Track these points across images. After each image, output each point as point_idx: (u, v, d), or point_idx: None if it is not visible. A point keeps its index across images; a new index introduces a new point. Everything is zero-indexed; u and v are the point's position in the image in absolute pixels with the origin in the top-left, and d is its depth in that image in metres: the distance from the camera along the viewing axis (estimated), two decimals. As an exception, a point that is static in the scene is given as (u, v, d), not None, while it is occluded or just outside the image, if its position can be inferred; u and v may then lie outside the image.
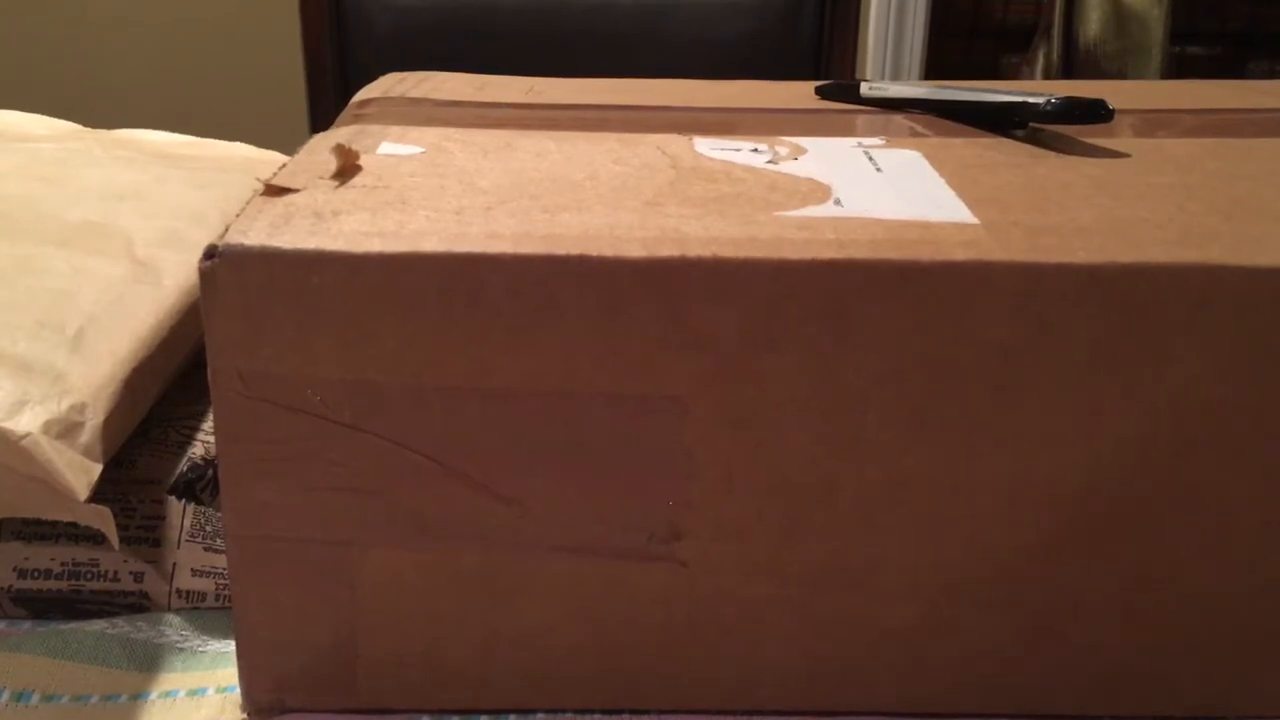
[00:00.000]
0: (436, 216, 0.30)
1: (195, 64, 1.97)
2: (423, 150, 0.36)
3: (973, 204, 0.32)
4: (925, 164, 0.36)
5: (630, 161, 0.36)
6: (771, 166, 0.36)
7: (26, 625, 0.37)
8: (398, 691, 0.34)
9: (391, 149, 0.36)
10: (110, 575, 0.38)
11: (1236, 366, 0.30)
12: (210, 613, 0.38)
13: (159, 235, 0.45)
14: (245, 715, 0.34)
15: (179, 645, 0.37)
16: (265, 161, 0.58)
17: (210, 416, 0.41)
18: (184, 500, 0.39)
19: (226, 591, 0.38)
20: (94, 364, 0.37)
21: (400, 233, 0.29)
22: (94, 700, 0.34)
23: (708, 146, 0.38)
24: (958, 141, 0.39)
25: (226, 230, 0.29)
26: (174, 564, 0.38)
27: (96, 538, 0.38)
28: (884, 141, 0.39)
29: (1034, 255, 0.29)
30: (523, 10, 1.16)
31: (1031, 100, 0.39)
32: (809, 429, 0.30)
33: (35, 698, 0.34)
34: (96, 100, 1.96)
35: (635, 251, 0.29)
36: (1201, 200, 0.33)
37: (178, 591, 0.38)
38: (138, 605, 0.38)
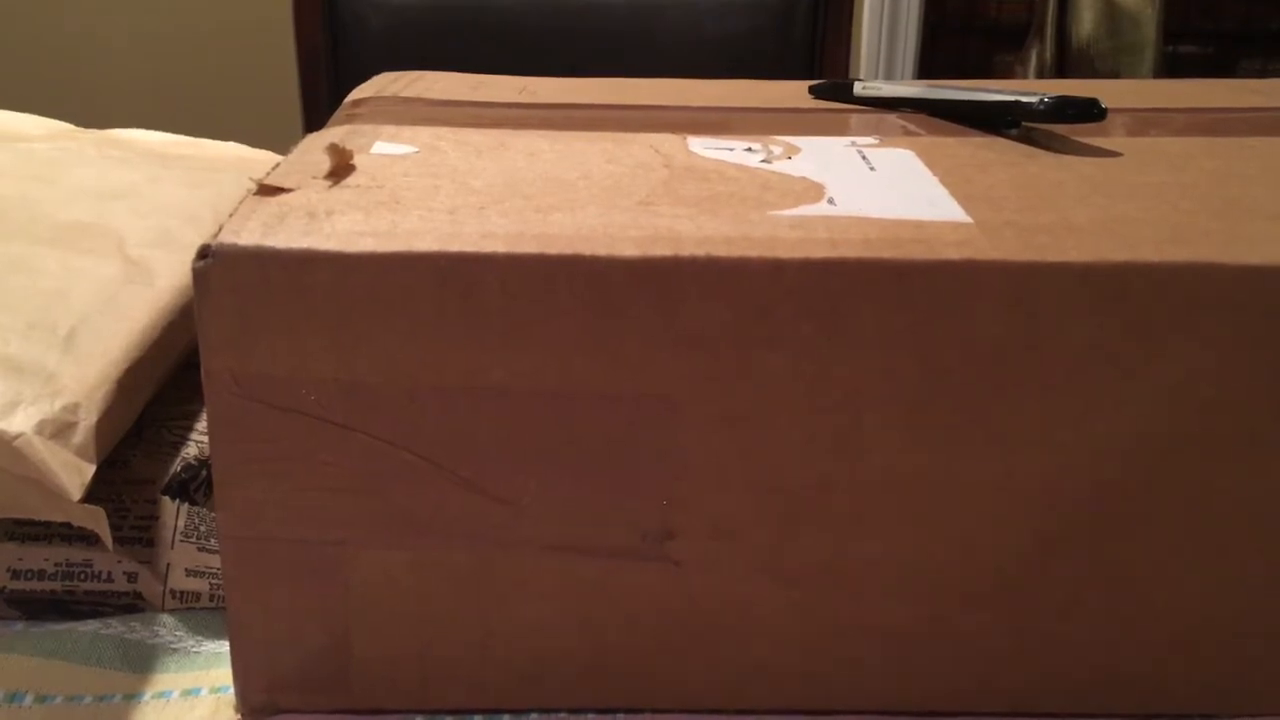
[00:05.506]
0: (430, 216, 0.30)
1: (188, 63, 1.97)
2: (416, 150, 0.36)
3: (966, 203, 0.32)
4: (919, 163, 0.36)
5: (624, 161, 0.36)
6: (765, 166, 0.36)
7: (20, 626, 0.37)
8: (391, 692, 0.34)
9: (385, 148, 0.36)
10: (104, 576, 0.38)
11: (1229, 365, 0.30)
12: (204, 613, 0.38)
13: (152, 235, 0.45)
14: (239, 716, 0.34)
15: (173, 646, 0.36)
16: (258, 161, 0.58)
17: (204, 417, 0.41)
18: (178, 500, 0.39)
19: (221, 592, 0.38)
20: (86, 364, 0.37)
21: (394, 232, 0.29)
22: (88, 701, 0.34)
23: (701, 146, 0.38)
24: (951, 140, 0.39)
25: (220, 230, 0.29)
26: (168, 564, 0.38)
27: (90, 538, 0.37)
28: (877, 141, 0.39)
29: (1027, 254, 0.29)
30: (516, 10, 1.15)
31: (1025, 99, 0.39)
32: (803, 428, 0.30)
33: (29, 698, 0.34)
34: (90, 100, 1.95)
35: (629, 251, 0.29)
36: (1194, 199, 0.33)
37: (172, 592, 0.38)
38: (132, 606, 0.38)
